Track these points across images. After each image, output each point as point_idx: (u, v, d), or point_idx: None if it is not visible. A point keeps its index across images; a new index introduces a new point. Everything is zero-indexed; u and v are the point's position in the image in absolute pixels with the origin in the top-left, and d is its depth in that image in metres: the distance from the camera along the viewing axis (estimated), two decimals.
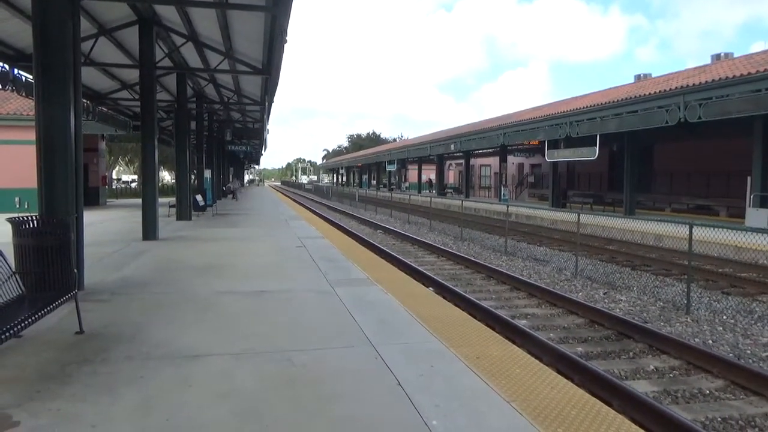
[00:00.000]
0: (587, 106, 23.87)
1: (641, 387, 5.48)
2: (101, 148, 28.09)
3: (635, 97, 20.74)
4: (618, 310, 8.64)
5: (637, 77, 31.21)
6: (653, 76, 29.87)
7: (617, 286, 10.46)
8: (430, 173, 62.93)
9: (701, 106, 17.35)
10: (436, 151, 43.06)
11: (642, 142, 25.38)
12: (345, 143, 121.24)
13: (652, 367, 6.15)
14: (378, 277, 7.92)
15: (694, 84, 17.87)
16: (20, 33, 11.63)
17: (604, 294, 9.81)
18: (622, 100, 21.55)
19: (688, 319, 8.11)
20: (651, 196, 27.26)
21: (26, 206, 19.87)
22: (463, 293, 9.27)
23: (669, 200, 25.93)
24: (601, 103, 22.80)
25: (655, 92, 19.65)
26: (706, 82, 17.35)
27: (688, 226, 9.07)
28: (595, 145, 24.06)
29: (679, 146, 26.60)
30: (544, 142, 28.24)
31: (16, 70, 13.47)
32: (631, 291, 10.04)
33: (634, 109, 20.77)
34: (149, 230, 12.35)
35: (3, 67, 13.09)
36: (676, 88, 18.64)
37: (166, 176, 60.65)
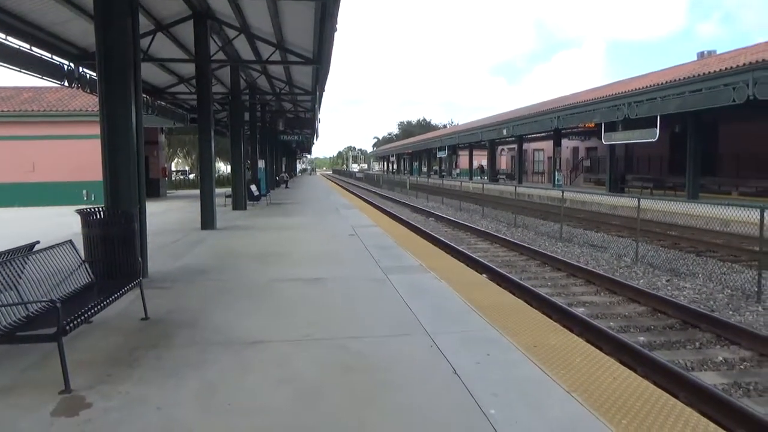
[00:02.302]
0: (647, 86, 22.87)
1: (709, 379, 5.25)
2: (161, 140, 29.09)
3: (699, 75, 19.71)
4: (682, 297, 8.29)
5: (700, 54, 29.66)
6: (717, 52, 28.32)
7: (681, 272, 10.03)
8: (481, 159, 62.00)
9: None
10: (488, 137, 42.36)
11: (706, 123, 24.16)
12: (395, 130, 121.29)
13: (720, 358, 5.87)
14: (431, 265, 7.88)
15: (764, 60, 16.81)
16: (84, 32, 12.13)
17: (667, 281, 9.43)
18: (684, 78, 20.53)
19: (760, 308, 7.69)
20: (716, 180, 25.96)
21: (93, 198, 20.85)
22: (518, 280, 9.12)
23: (736, 183, 24.61)
24: (662, 83, 21.80)
25: (720, 69, 18.61)
26: None
27: (758, 210, 8.58)
28: (656, 127, 23.05)
29: (747, 126, 25.16)
30: (601, 124, 27.30)
31: (81, 68, 14.09)
32: (696, 278, 9.61)
33: (697, 88, 19.75)
34: (207, 220, 12.72)
35: (69, 65, 13.71)
36: (744, 64, 17.58)
37: (222, 167, 62.28)
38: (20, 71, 12.04)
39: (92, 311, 4.12)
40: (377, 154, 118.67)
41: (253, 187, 20.43)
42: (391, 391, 3.59)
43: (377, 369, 3.97)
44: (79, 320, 3.86)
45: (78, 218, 6.10)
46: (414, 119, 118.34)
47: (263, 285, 6.73)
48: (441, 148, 55.27)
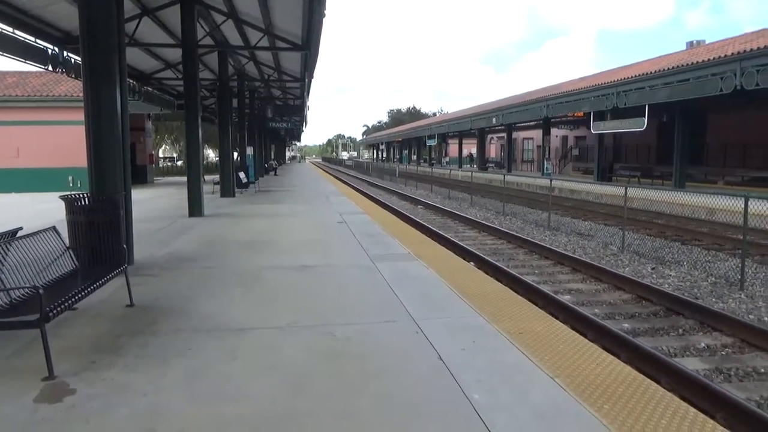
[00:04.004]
0: (635, 76, 22.95)
1: (691, 365, 5.32)
2: (147, 127, 28.79)
3: (687, 64, 19.80)
4: (667, 285, 8.38)
5: (689, 44, 29.79)
6: (706, 42, 28.45)
7: (666, 261, 10.14)
8: (470, 147, 62.06)
9: (759, 73, 16.42)
10: (477, 125, 42.36)
11: (694, 113, 24.31)
12: (385, 118, 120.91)
13: (703, 344, 5.96)
14: (419, 252, 7.90)
15: (751, 49, 16.90)
16: (68, 15, 11.92)
17: (652, 269, 9.53)
18: (673, 68, 20.62)
19: (742, 295, 7.81)
20: (702, 169, 26.19)
21: (78, 185, 20.63)
22: (505, 268, 9.17)
23: (722, 173, 24.85)
24: (651, 72, 21.88)
25: (709, 59, 18.71)
26: (765, 46, 16.38)
27: (743, 199, 8.68)
28: (644, 116, 23.19)
29: (734, 116, 25.36)
30: (590, 113, 27.40)
31: (65, 53, 13.86)
32: (681, 266, 9.72)
33: (685, 78, 19.86)
34: (195, 207, 12.64)
35: (53, 49, 13.48)
36: (732, 54, 17.68)
37: (210, 154, 61.80)
38: (3, 55, 11.81)
39: (76, 298, 4.09)
40: (367, 142, 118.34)
41: (242, 174, 20.32)
42: (377, 378, 3.60)
43: (364, 355, 3.98)
44: (62, 307, 3.83)
45: (62, 204, 6.03)
46: (404, 107, 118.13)
47: (251, 272, 6.71)
48: (431, 137, 55.22)
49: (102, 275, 4.69)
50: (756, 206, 9.23)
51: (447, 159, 63.80)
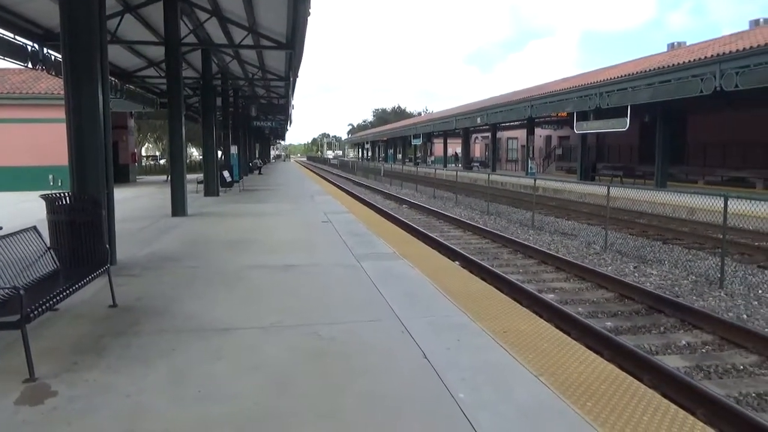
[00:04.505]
0: (618, 77, 23.22)
1: (672, 362, 5.40)
2: (130, 125, 28.46)
3: (669, 66, 20.08)
4: (649, 284, 8.49)
5: (671, 46, 30.16)
6: (687, 44, 28.84)
7: (648, 259, 10.27)
8: (455, 147, 62.26)
9: (738, 75, 16.71)
10: (462, 125, 42.54)
11: (675, 113, 24.64)
12: (370, 118, 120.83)
13: (683, 342, 6.05)
14: (404, 252, 7.91)
15: (730, 51, 17.18)
16: (49, 12, 11.73)
17: (635, 268, 9.65)
18: (654, 69, 20.90)
19: (722, 294, 7.93)
20: (683, 169, 26.57)
21: (59, 183, 20.33)
22: (490, 267, 9.22)
23: (702, 172, 25.24)
24: (633, 73, 22.15)
25: (689, 61, 18.98)
26: (744, 49, 16.66)
27: (722, 199, 8.82)
28: (626, 116, 23.47)
29: (713, 117, 25.77)
30: (573, 114, 27.65)
31: (45, 50, 13.65)
32: (663, 265, 9.85)
33: (667, 79, 20.13)
34: (178, 206, 12.53)
35: (33, 46, 13.26)
36: (711, 56, 17.96)
37: (194, 153, 61.25)
38: None
39: (57, 298, 4.03)
40: (352, 141, 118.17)
41: (226, 173, 20.18)
42: (362, 377, 3.61)
43: (349, 355, 3.98)
44: (43, 307, 3.77)
45: (43, 204, 5.95)
46: (389, 107, 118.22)
47: (235, 272, 6.67)
48: (416, 136, 55.35)
49: (84, 275, 4.63)
50: (735, 206, 9.39)
51: (432, 158, 63.92)
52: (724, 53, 17.45)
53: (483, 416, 3.05)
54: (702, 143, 27.13)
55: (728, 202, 8.74)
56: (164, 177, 28.89)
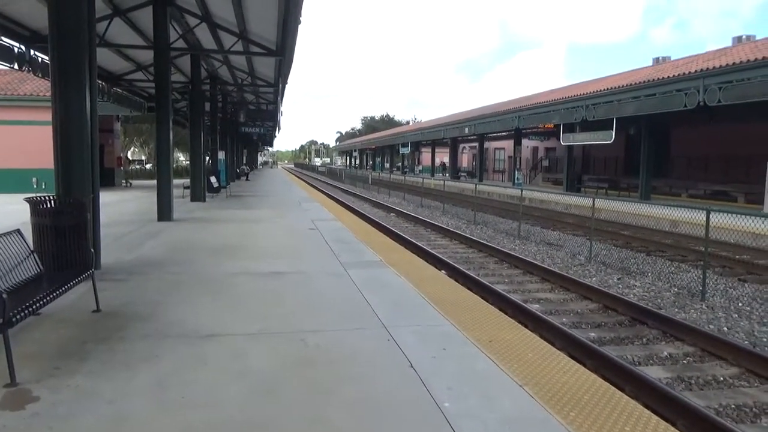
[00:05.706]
0: (604, 89, 23.53)
1: (654, 373, 5.46)
2: (116, 129, 28.25)
3: (654, 80, 20.41)
4: (632, 295, 8.58)
5: (656, 60, 30.68)
6: (672, 58, 29.33)
7: (631, 271, 10.38)
8: (443, 156, 62.48)
9: (721, 90, 17.03)
10: (450, 134, 42.78)
11: (659, 127, 25.01)
12: (358, 125, 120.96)
13: (665, 353, 6.12)
14: (391, 260, 7.93)
15: (714, 67, 17.52)
16: (36, 13, 11.65)
17: (618, 279, 9.75)
18: (640, 83, 21.21)
19: (704, 306, 8.04)
20: (667, 182, 26.92)
21: (43, 186, 20.09)
22: (476, 277, 9.26)
23: (686, 186, 25.58)
24: (619, 86, 22.47)
25: (674, 75, 19.31)
26: (727, 65, 16.99)
27: (704, 212, 8.95)
28: (612, 129, 23.76)
29: (697, 131, 26.19)
30: (560, 125, 27.93)
31: (32, 51, 13.54)
32: (646, 277, 9.96)
33: (652, 93, 20.45)
34: (164, 211, 12.45)
35: (19, 47, 13.15)
36: (696, 71, 18.29)
37: (181, 157, 60.90)
38: None
39: (40, 303, 3.99)
40: (340, 149, 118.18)
41: (213, 179, 20.10)
42: (348, 385, 3.61)
43: (334, 362, 3.98)
44: (26, 312, 3.73)
45: (27, 207, 5.88)
46: (377, 115, 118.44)
47: (220, 278, 6.64)
48: (404, 145, 55.51)
49: (68, 280, 4.59)
50: (717, 219, 9.54)
51: (420, 167, 64.04)
52: (707, 69, 17.78)
53: (467, 425, 3.06)
54: (686, 157, 27.55)
55: (710, 216, 8.88)
56: (151, 182, 28.68)
